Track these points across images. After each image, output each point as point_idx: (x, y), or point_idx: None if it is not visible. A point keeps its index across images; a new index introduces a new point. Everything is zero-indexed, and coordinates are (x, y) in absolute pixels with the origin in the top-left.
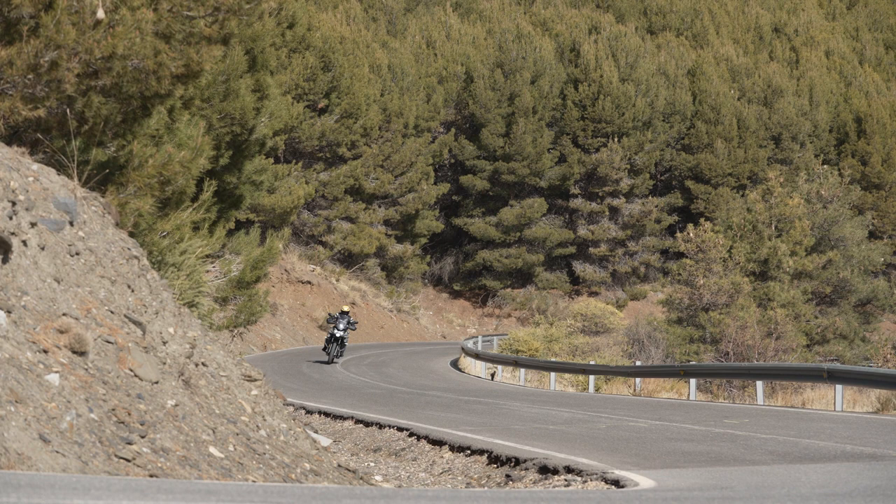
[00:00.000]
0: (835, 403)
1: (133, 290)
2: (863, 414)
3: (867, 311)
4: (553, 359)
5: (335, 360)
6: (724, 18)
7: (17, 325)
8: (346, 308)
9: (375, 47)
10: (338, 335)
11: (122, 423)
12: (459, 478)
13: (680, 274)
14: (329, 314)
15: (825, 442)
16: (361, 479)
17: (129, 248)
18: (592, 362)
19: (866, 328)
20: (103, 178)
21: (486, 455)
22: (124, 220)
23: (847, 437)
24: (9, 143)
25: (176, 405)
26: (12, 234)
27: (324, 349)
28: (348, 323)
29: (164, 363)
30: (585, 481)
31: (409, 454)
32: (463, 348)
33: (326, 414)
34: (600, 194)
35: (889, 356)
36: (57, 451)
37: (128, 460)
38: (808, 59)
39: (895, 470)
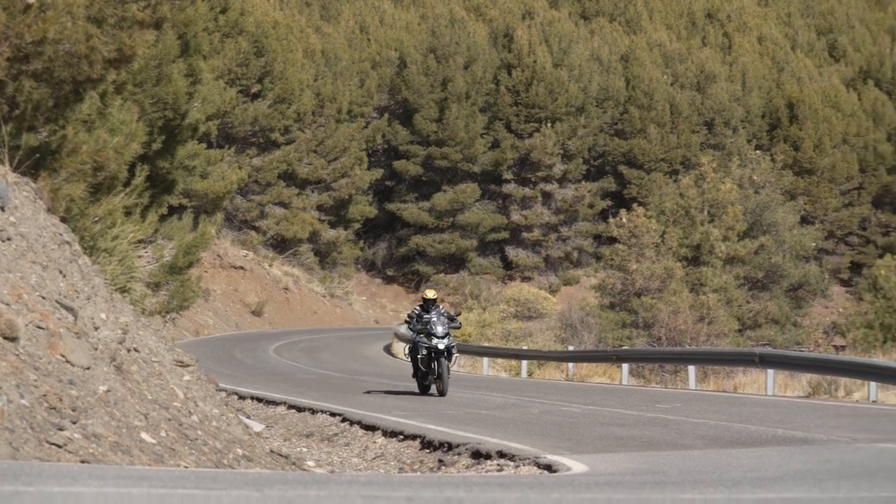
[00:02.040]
0: (766, 388)
1: (65, 276)
2: (794, 398)
3: (799, 296)
4: (486, 344)
5: (442, 389)
6: (658, 4)
7: None
8: (431, 294)
9: (309, 32)
10: (441, 347)
11: (54, 409)
12: (392, 463)
13: (613, 259)
14: (410, 313)
15: (757, 426)
16: (294, 464)
17: (60, 234)
18: (525, 347)
19: (798, 313)
20: (35, 163)
21: (419, 440)
22: (56, 206)
23: (778, 422)
24: None
25: (108, 391)
26: None
27: (415, 374)
28: (449, 320)
29: (96, 349)
30: (518, 466)
31: (341, 439)
32: (396, 334)
33: (259, 399)
34: (533, 179)
35: (820, 341)
36: None
37: (59, 446)
38: (740, 44)
39: (826, 454)
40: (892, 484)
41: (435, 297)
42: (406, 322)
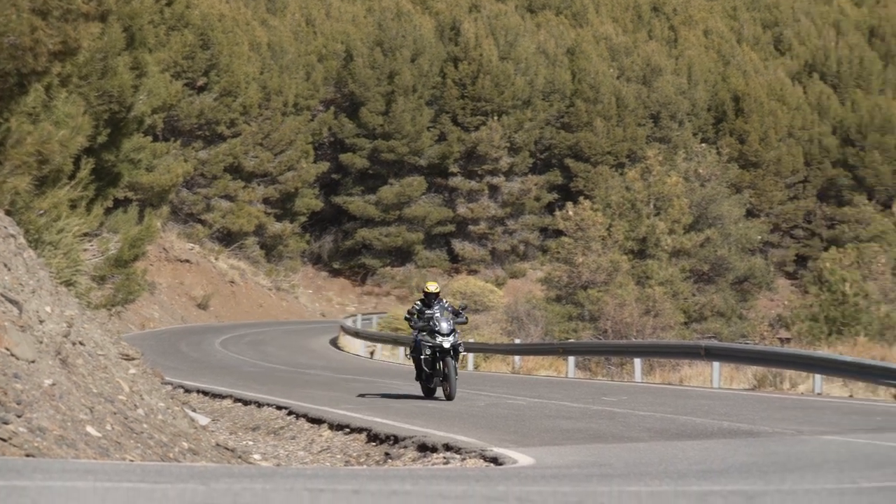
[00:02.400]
0: (712, 380)
1: (9, 269)
2: (739, 391)
3: (744, 288)
4: None
5: (450, 392)
6: None
7: None
8: (433, 287)
9: (255, 25)
10: (446, 346)
11: None
12: (338, 456)
13: (559, 252)
14: (410, 309)
15: (702, 419)
16: (240, 457)
17: (5, 227)
18: (472, 340)
19: (743, 306)
20: None
21: (366, 433)
22: (0, 199)
23: (724, 414)
24: None
25: (53, 384)
26: None
27: (418, 377)
28: (454, 314)
29: (41, 342)
30: (464, 459)
31: (287, 433)
32: (342, 327)
33: (205, 393)
34: (480, 172)
35: (766, 333)
36: None
37: (3, 440)
38: (686, 38)
39: (771, 446)
40: (836, 476)
41: (437, 290)
42: (406, 319)
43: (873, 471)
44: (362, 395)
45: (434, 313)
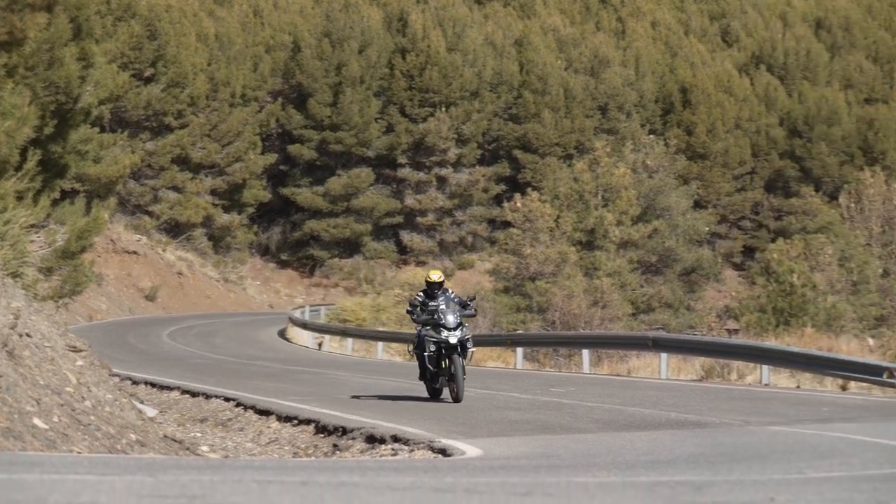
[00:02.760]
0: (660, 371)
1: None
2: (687, 382)
3: (692, 280)
4: (381, 328)
5: (457, 393)
6: None
7: None
8: (437, 275)
9: (202, 16)
10: (453, 341)
11: None
12: (287, 448)
13: (507, 243)
14: (413, 300)
15: (650, 410)
16: (188, 449)
17: None
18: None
19: (691, 297)
20: None
21: (314, 425)
22: None
23: (672, 405)
24: None
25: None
26: None
27: (422, 376)
28: (462, 307)
29: None
30: (412, 450)
31: (235, 424)
32: (290, 318)
33: (153, 384)
34: (428, 164)
35: (713, 324)
36: None
37: None
38: (634, 29)
39: (718, 436)
40: (783, 466)
41: (441, 279)
42: (408, 312)
43: (820, 461)
44: (356, 397)
45: (439, 305)
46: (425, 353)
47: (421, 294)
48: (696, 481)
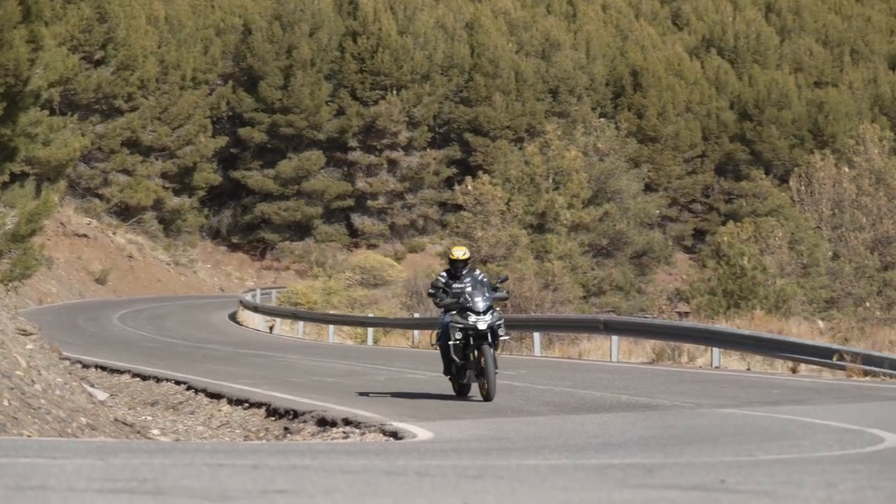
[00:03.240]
0: (611, 354)
1: None
2: (638, 364)
3: (643, 262)
4: (332, 311)
5: (489, 389)
6: None
7: None
8: (461, 252)
9: None
10: (482, 327)
11: None
12: (238, 431)
13: (458, 226)
14: (434, 282)
15: (601, 392)
16: (139, 432)
17: None
18: (371, 315)
19: (642, 280)
20: None
21: (265, 408)
22: None
23: (623, 388)
24: None
25: None
26: None
27: (447, 370)
28: (491, 290)
29: None
30: (364, 433)
31: (186, 408)
32: (241, 301)
33: (103, 368)
34: (379, 147)
35: (664, 307)
36: None
37: None
38: (585, 13)
39: (669, 419)
40: (734, 448)
41: (466, 256)
42: (430, 295)
43: (770, 443)
44: (364, 394)
45: (465, 287)
46: (450, 343)
47: (444, 274)
48: (647, 464)
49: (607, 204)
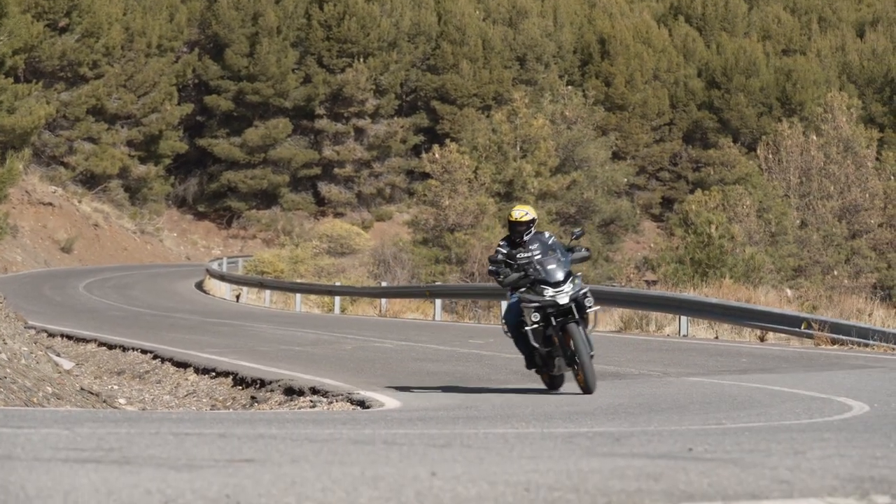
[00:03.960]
0: None
1: None
2: (606, 333)
3: (611, 231)
4: (299, 280)
5: (586, 379)
6: None
7: None
8: (523, 213)
9: None
10: (563, 302)
11: None
12: (204, 400)
13: (426, 195)
14: (493, 257)
15: None
16: (105, 402)
17: None
18: (338, 283)
19: (610, 248)
20: None
21: (232, 377)
22: None
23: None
24: None
25: None
26: None
27: (530, 362)
28: (566, 252)
29: None
30: (331, 402)
31: (153, 377)
32: (208, 270)
33: (69, 337)
34: (346, 115)
35: (632, 276)
36: None
37: None
38: None
39: (637, 387)
40: (702, 417)
41: (528, 216)
42: (491, 273)
43: (738, 411)
44: (408, 390)
45: (533, 255)
46: (527, 328)
47: (503, 244)
48: (615, 432)
49: (575, 172)
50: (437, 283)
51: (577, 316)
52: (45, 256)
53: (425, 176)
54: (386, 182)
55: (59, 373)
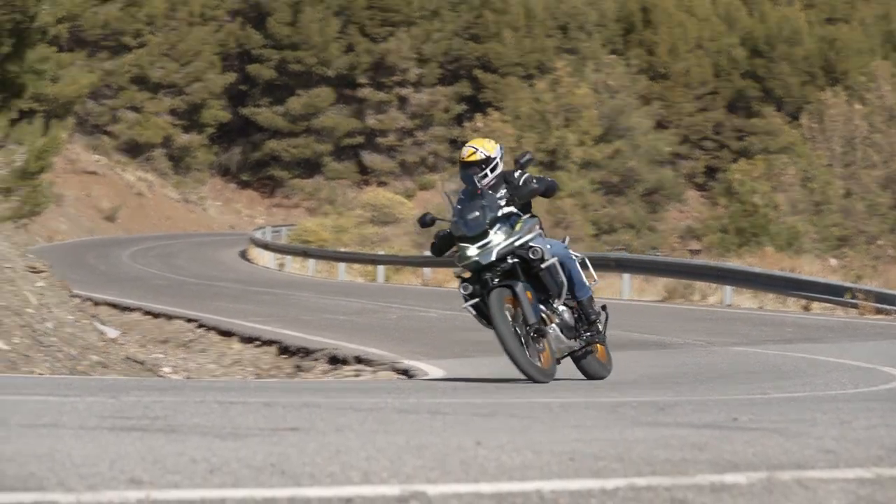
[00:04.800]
0: (622, 292)
1: None
2: (650, 302)
3: (654, 200)
4: (342, 249)
5: (547, 363)
6: None
7: None
8: (472, 152)
9: None
10: (486, 262)
11: None
12: (249, 369)
13: None
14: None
15: (613, 330)
16: (150, 370)
17: None
18: (382, 252)
19: (653, 218)
20: None
21: (276, 346)
22: None
23: (635, 326)
24: None
25: None
26: None
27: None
28: (504, 183)
29: None
30: (375, 371)
31: (198, 345)
32: (251, 239)
33: (114, 305)
34: (388, 84)
35: (675, 245)
36: None
37: None
38: None
39: (681, 357)
40: (746, 386)
41: (482, 155)
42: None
43: (783, 381)
44: (452, 359)
45: (460, 202)
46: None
47: (462, 197)
48: (660, 402)
49: (618, 141)
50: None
51: (523, 276)
52: (90, 225)
53: None
54: (429, 151)
55: (105, 341)
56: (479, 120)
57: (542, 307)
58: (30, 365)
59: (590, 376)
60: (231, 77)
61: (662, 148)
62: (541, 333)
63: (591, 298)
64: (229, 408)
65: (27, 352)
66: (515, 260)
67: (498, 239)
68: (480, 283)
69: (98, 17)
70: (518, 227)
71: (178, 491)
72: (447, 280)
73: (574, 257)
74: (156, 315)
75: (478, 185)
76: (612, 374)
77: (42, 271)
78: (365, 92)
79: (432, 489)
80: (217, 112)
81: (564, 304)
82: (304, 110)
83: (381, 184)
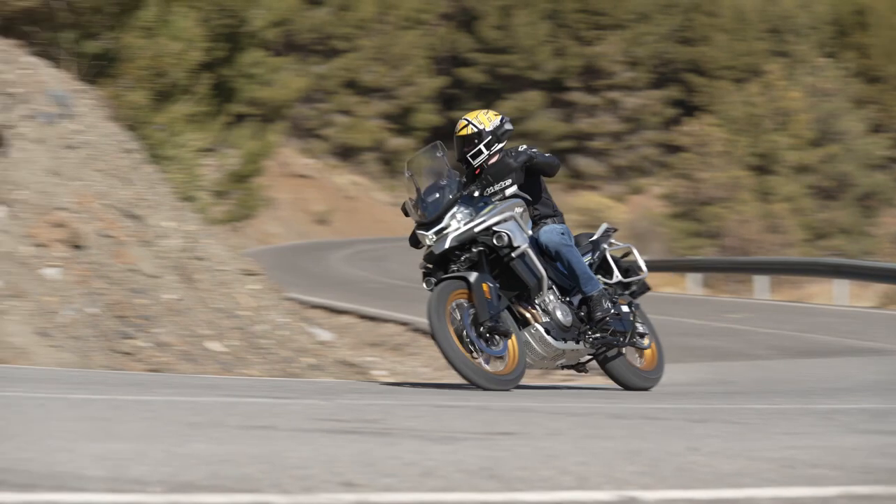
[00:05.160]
0: (837, 298)
1: (129, 184)
2: (866, 308)
3: (869, 205)
4: None
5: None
6: None
7: (15, 220)
8: (465, 125)
9: None
10: (439, 250)
11: (122, 317)
12: None
13: (680, 168)
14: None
15: (828, 337)
16: (362, 373)
17: (124, 142)
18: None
19: (868, 222)
20: (97, 70)
21: None
22: (119, 114)
23: (850, 332)
24: (4, 35)
25: (176, 300)
26: (7, 127)
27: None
28: (529, 154)
29: (163, 257)
30: (588, 376)
31: (409, 349)
32: None
33: (326, 308)
34: (599, 87)
35: (892, 251)
36: (56, 346)
37: (127, 354)
38: None
39: None
40: None
41: (473, 129)
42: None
43: None
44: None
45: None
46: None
47: (462, 179)
48: (877, 409)
49: (832, 145)
50: (691, 257)
51: (486, 265)
52: (302, 228)
53: (678, 149)
54: (640, 155)
55: (317, 344)
56: (690, 123)
57: (527, 304)
58: (244, 367)
59: (625, 386)
60: (441, 81)
61: (875, 151)
62: (498, 332)
63: (602, 294)
64: (443, 412)
65: (241, 354)
66: (480, 248)
67: (455, 224)
68: (437, 280)
69: (309, 21)
70: (488, 210)
71: (392, 494)
72: (657, 284)
73: (571, 244)
74: (368, 318)
75: (472, 163)
76: (828, 381)
77: (256, 274)
78: (575, 95)
79: (647, 495)
80: (427, 116)
81: (564, 301)
82: (514, 114)
83: (592, 188)
